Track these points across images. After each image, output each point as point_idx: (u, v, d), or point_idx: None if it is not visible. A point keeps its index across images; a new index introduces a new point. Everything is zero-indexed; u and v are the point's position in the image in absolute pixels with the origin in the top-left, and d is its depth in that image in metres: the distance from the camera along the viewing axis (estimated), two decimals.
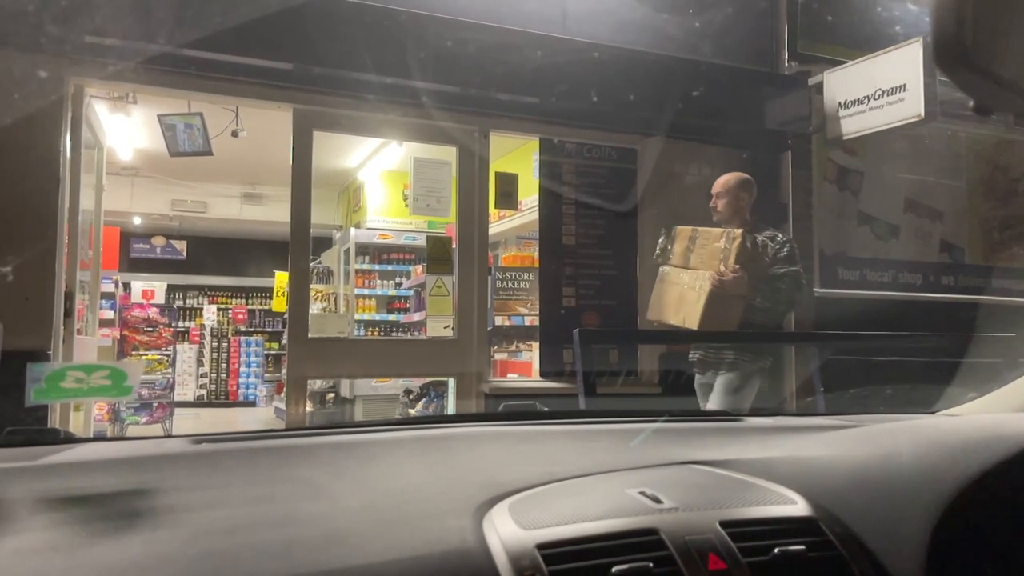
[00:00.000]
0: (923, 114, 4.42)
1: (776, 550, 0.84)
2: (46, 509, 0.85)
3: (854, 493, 0.99)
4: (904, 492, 0.99)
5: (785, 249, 3.76)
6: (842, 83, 4.90)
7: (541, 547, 0.78)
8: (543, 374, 4.79)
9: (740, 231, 3.69)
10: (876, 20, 5.54)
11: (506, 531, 0.81)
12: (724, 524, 0.86)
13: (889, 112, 4.59)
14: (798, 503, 0.94)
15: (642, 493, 0.92)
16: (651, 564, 0.79)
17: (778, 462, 1.09)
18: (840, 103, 4.88)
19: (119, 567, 0.71)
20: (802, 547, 0.86)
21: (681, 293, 3.82)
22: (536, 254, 5.22)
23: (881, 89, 4.61)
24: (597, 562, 0.78)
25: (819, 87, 5.03)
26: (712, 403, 3.71)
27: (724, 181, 3.92)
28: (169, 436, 1.15)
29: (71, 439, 1.11)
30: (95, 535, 0.78)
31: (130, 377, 1.05)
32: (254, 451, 1.12)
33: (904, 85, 4.50)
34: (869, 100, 4.69)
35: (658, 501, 0.90)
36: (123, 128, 6.59)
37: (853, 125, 4.82)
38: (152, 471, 0.99)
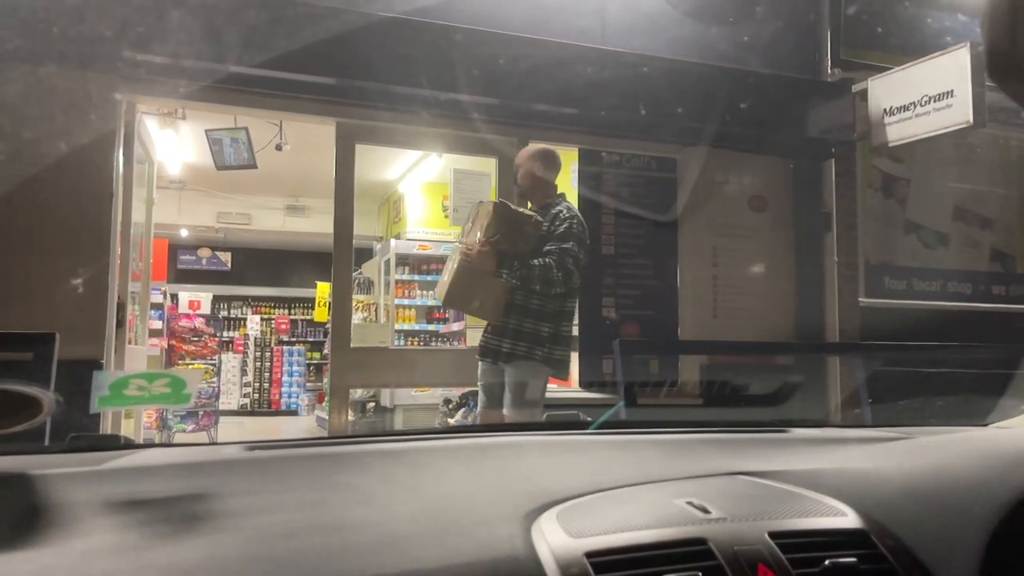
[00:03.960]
0: (971, 120, 4.32)
1: (827, 562, 0.84)
2: (111, 512, 0.88)
3: (905, 506, 0.97)
4: (957, 505, 0.98)
5: (562, 226, 3.47)
6: (887, 90, 4.82)
7: (590, 555, 0.79)
8: (583, 384, 4.78)
9: (494, 202, 3.49)
10: (921, 26, 5.44)
11: (555, 539, 0.82)
12: (773, 535, 0.86)
13: (936, 118, 4.50)
14: (848, 515, 0.93)
15: (689, 503, 0.92)
16: (700, 574, 0.79)
17: (826, 474, 1.08)
18: (885, 110, 4.80)
19: (183, 569, 0.74)
20: (853, 559, 0.85)
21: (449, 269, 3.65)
22: None
23: (928, 95, 4.53)
24: (646, 571, 0.79)
25: (863, 94, 4.95)
26: (505, 400, 3.50)
27: (522, 152, 3.73)
28: (224, 443, 1.18)
29: (131, 445, 1.15)
30: (159, 538, 0.80)
31: (188, 385, 1.09)
32: (305, 458, 1.15)
33: (951, 91, 4.41)
34: (915, 106, 4.61)
35: (706, 511, 0.90)
36: (172, 143, 6.77)
37: (899, 132, 4.73)
38: (209, 476, 1.02)
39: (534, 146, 3.76)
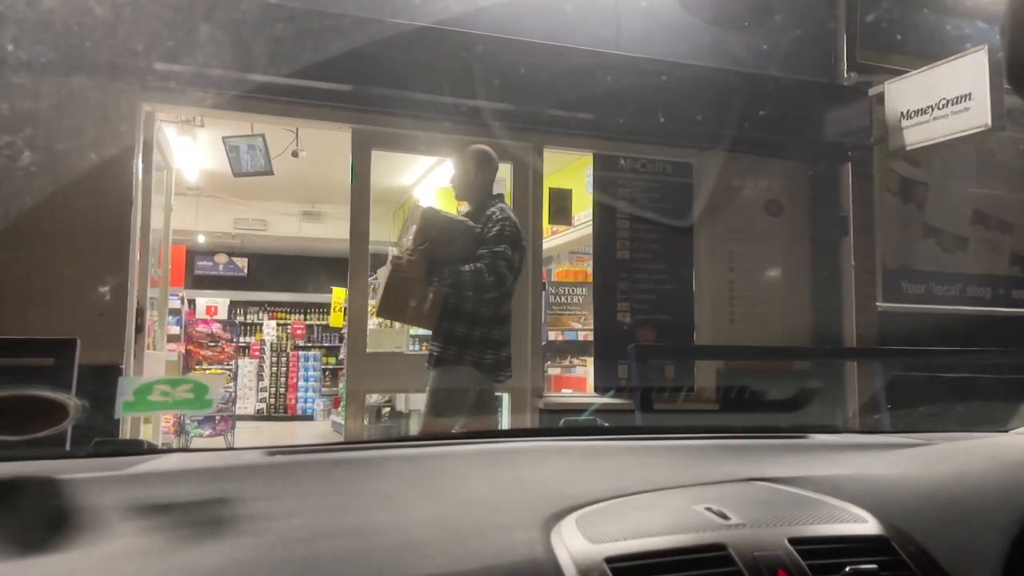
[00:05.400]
0: (990, 124, 4.28)
1: (847, 568, 0.83)
2: (136, 516, 0.89)
3: (927, 512, 0.97)
4: (979, 511, 0.97)
5: (495, 228, 3.36)
6: (904, 93, 4.79)
7: (610, 561, 0.79)
8: (598, 389, 4.78)
9: (421, 208, 3.42)
10: (938, 29, 5.41)
11: (574, 544, 0.82)
12: (793, 541, 0.86)
13: (954, 122, 4.47)
14: (868, 521, 0.93)
15: (708, 509, 0.92)
16: None
17: (846, 480, 1.08)
18: (902, 113, 4.77)
19: (207, 572, 0.75)
20: (874, 566, 0.85)
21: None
22: (589, 269, 5.21)
23: (945, 99, 4.49)
24: None
25: (880, 97, 4.92)
26: (427, 403, 3.42)
27: (458, 154, 3.64)
28: (245, 448, 1.19)
29: (155, 450, 1.17)
30: (183, 541, 0.82)
31: (211, 391, 1.10)
32: (326, 463, 1.16)
33: (969, 94, 4.37)
34: (933, 110, 4.57)
35: (725, 517, 0.90)
36: (190, 150, 6.83)
37: (916, 135, 4.70)
38: (231, 481, 1.03)
39: (468, 148, 3.65)
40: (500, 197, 3.64)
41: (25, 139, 3.67)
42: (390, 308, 3.56)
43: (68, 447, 1.25)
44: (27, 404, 0.98)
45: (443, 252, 3.36)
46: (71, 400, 0.99)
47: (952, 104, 4.48)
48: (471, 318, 3.39)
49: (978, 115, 4.34)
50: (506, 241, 3.36)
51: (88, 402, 1.02)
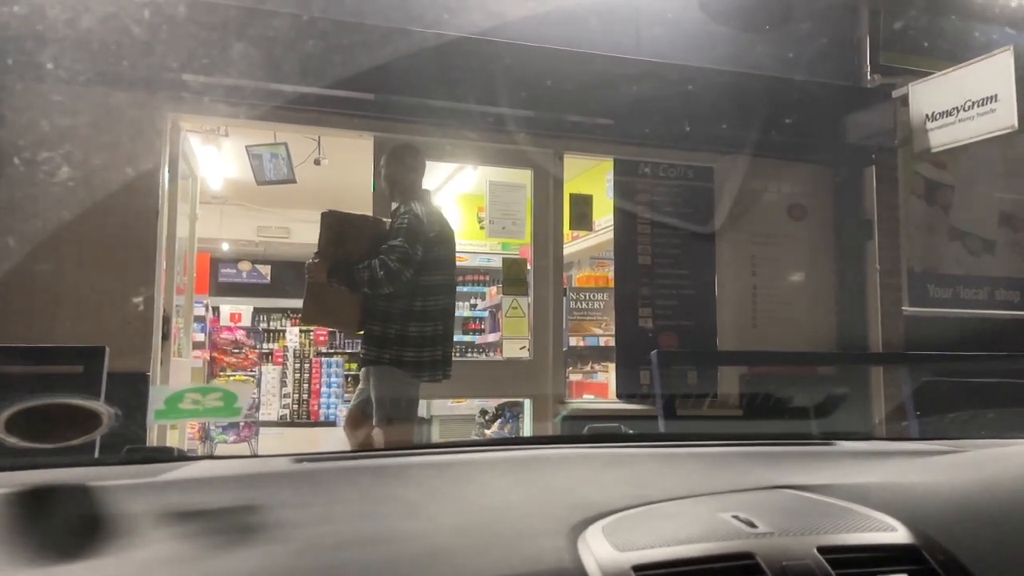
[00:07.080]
0: (1016, 125, 4.23)
1: None
2: (167, 523, 0.90)
3: (958, 521, 0.96)
4: (1010, 520, 0.96)
5: (396, 223, 3.38)
6: (929, 94, 4.73)
7: (637, 569, 0.79)
8: (620, 396, 4.76)
9: (323, 212, 3.44)
10: (962, 30, 5.34)
11: (601, 552, 0.82)
12: (822, 550, 0.85)
13: (980, 123, 4.41)
14: (898, 530, 0.92)
15: (735, 517, 0.92)
16: None
17: (875, 488, 1.07)
18: (927, 115, 4.72)
19: None
20: (904, 575, 0.84)
21: None
22: (610, 274, 5.20)
23: (971, 100, 4.44)
24: None
25: (904, 99, 4.87)
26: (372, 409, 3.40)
27: (385, 153, 3.63)
28: (273, 455, 1.21)
29: (184, 457, 1.18)
30: (214, 548, 0.83)
31: (240, 398, 1.11)
32: (352, 470, 1.17)
33: (995, 95, 4.32)
34: (958, 111, 4.52)
35: (752, 525, 0.89)
36: (214, 159, 6.90)
37: (941, 137, 4.65)
38: (260, 488, 1.04)
39: (396, 145, 3.67)
40: (426, 193, 3.63)
41: (57, 153, 3.74)
42: (309, 314, 3.58)
43: (97, 454, 1.27)
44: (59, 412, 1.00)
45: (346, 252, 3.38)
46: (103, 408, 1.01)
47: (978, 105, 4.42)
48: (385, 315, 3.39)
49: (1004, 116, 4.29)
50: (402, 234, 3.36)
51: (118, 409, 1.04)
